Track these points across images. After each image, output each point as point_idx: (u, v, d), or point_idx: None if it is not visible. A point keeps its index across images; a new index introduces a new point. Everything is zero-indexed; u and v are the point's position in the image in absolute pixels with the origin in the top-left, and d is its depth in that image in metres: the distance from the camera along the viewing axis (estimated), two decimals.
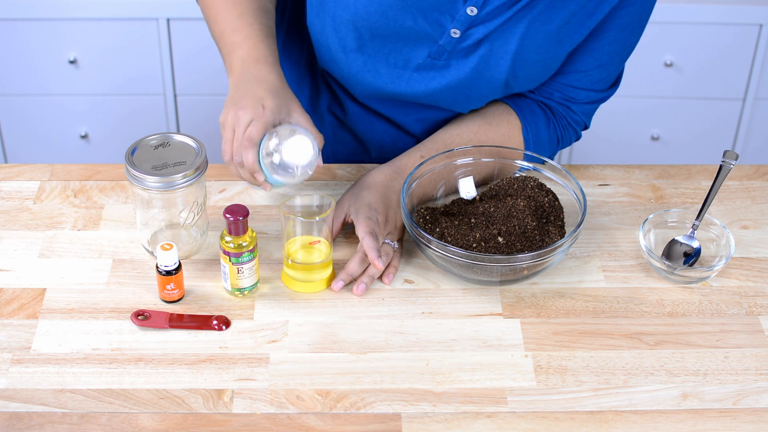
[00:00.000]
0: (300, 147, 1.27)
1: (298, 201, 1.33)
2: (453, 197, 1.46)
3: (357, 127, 1.59)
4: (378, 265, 1.32)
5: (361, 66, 1.45)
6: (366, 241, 1.33)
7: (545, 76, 1.45)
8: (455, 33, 1.37)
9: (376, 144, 1.60)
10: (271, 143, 1.27)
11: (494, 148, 1.45)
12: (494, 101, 1.51)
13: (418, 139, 1.57)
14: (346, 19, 1.40)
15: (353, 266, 1.34)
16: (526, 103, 1.50)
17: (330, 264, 1.35)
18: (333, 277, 1.36)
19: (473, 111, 1.51)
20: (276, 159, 1.27)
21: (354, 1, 1.37)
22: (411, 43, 1.40)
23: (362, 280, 1.34)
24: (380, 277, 1.36)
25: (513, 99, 1.51)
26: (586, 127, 1.54)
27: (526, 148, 1.50)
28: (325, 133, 1.62)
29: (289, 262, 1.33)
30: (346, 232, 1.43)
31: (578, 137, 1.55)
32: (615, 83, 1.50)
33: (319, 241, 1.33)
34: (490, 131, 1.49)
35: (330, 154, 1.64)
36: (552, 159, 1.54)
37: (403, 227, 1.41)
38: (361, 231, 1.34)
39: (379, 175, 1.44)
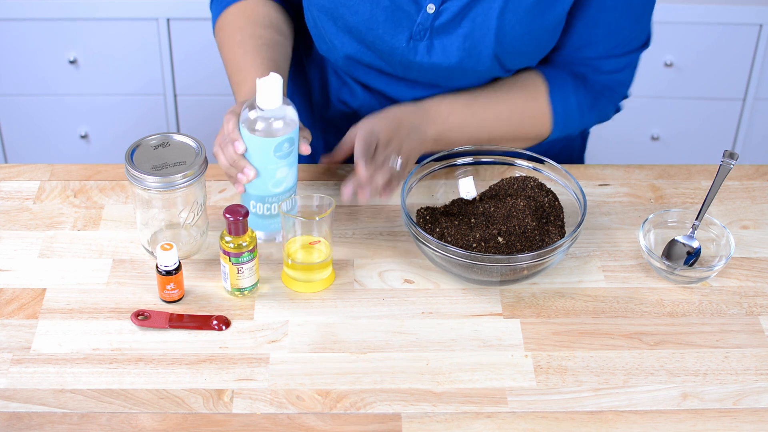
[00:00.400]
0: (269, 87, 1.28)
1: (298, 201, 1.33)
2: (453, 197, 1.46)
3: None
4: (360, 168, 1.32)
5: (351, 55, 1.47)
6: (356, 147, 1.34)
7: (541, 49, 1.44)
8: (431, 8, 1.39)
9: None
10: (250, 111, 1.30)
11: (494, 148, 1.46)
12: (524, 68, 1.51)
13: None
14: (326, 6, 1.42)
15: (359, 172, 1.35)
16: (556, 71, 1.50)
17: (330, 264, 1.35)
18: (333, 277, 1.36)
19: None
20: (252, 114, 1.30)
21: None
22: (390, 28, 1.41)
23: (365, 187, 1.33)
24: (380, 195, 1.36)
25: (544, 67, 1.50)
26: (625, 97, 1.54)
27: (554, 111, 1.48)
28: (341, 125, 1.62)
29: (289, 262, 1.33)
30: (345, 232, 1.43)
31: (618, 109, 1.55)
32: (643, 44, 1.49)
33: (319, 241, 1.33)
34: (515, 87, 1.48)
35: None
36: (589, 128, 1.52)
37: (414, 155, 1.42)
38: (355, 138, 1.36)
39: (397, 108, 1.44)
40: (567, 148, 1.67)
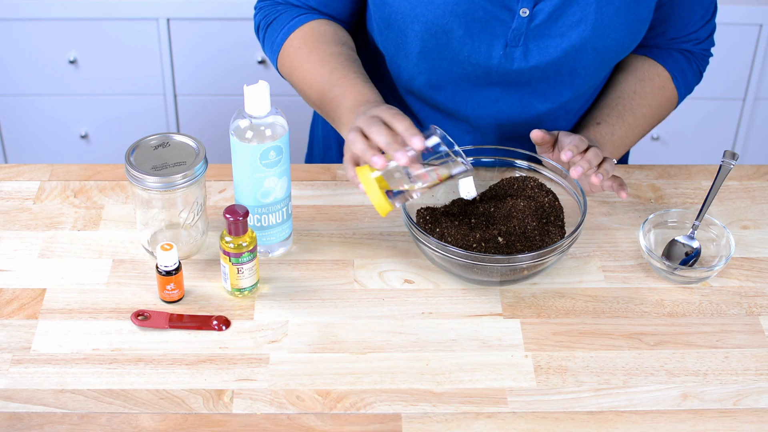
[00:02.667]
0: (258, 94, 1.27)
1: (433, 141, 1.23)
2: (453, 197, 1.46)
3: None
4: (576, 139, 1.39)
5: (448, 89, 1.48)
6: (575, 136, 1.41)
7: (634, 40, 1.46)
8: (524, 12, 1.38)
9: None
10: (239, 119, 1.30)
11: (494, 148, 1.46)
12: (637, 57, 1.56)
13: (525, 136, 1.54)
14: (417, 30, 1.41)
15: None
16: (667, 53, 1.56)
17: (377, 188, 1.24)
18: (385, 203, 1.25)
19: (623, 72, 1.56)
20: (240, 122, 1.29)
21: (421, 9, 1.38)
22: (486, 39, 1.41)
23: (583, 162, 1.35)
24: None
25: (651, 51, 1.56)
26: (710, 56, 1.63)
27: (678, 91, 1.57)
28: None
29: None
30: (345, 232, 1.43)
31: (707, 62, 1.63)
32: (714, 9, 1.56)
33: (429, 187, 1.25)
34: (647, 86, 1.54)
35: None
36: (691, 91, 1.61)
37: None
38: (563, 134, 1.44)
39: None
40: None
